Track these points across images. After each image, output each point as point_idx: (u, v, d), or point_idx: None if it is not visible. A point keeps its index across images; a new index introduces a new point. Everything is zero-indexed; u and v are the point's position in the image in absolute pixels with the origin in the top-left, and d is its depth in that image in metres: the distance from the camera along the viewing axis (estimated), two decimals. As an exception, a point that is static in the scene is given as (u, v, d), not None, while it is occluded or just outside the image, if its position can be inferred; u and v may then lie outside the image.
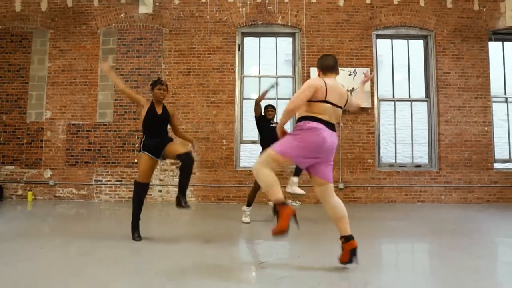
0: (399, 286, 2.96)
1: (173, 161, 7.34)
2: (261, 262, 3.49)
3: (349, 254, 3.21)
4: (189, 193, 8.68)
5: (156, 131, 4.51)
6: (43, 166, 8.89)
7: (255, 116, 6.19)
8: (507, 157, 9.28)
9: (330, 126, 3.31)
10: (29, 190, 8.69)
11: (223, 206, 8.14)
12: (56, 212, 7.19)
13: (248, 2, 9.06)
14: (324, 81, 3.28)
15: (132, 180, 8.74)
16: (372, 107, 8.86)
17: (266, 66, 9.82)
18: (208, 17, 9.03)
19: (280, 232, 2.99)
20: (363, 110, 8.79)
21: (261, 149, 6.07)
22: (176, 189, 4.95)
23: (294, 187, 5.70)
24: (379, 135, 9.08)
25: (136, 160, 8.78)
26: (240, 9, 9.04)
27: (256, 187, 5.85)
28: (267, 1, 9.06)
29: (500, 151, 9.54)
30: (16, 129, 8.98)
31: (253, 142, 9.08)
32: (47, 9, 9.16)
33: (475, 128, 8.93)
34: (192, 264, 3.45)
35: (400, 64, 9.65)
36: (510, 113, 9.41)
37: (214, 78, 8.91)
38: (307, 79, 8.75)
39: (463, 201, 8.75)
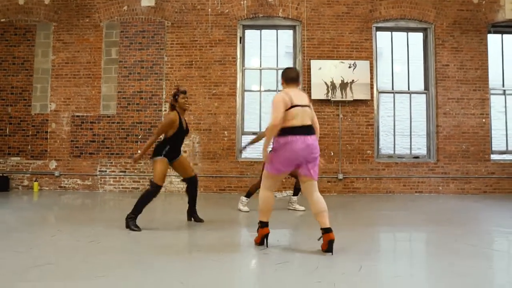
0: (393, 270, 3.12)
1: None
2: (262, 248, 3.65)
3: (327, 244, 3.47)
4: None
5: (180, 144, 4.86)
6: (48, 157, 9.06)
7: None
8: (504, 148, 9.41)
9: (304, 130, 3.57)
10: (35, 181, 8.87)
11: (225, 196, 8.31)
12: (62, 202, 7.37)
13: (249, -5, 9.16)
14: (286, 92, 3.64)
15: (135, 171, 8.91)
16: (372, 99, 8.98)
17: (267, 58, 9.94)
18: (209, 10, 9.13)
19: (255, 243, 3.77)
20: (363, 102, 8.92)
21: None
22: (179, 180, 5.18)
23: (295, 205, 6.41)
24: (378, 126, 9.22)
25: (139, 151, 8.91)
26: (241, 2, 9.13)
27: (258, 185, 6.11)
28: (268, -6, 9.15)
29: (498, 142, 9.67)
30: (21, 121, 9.14)
31: (254, 133, 9.20)
32: (50, 2, 9.26)
33: (473, 120, 9.06)
34: (195, 251, 3.63)
35: (400, 56, 9.75)
36: (507, 105, 9.53)
37: (216, 70, 9.04)
38: (307, 72, 8.90)
39: (460, 191, 8.91)
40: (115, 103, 9.09)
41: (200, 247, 3.79)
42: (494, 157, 9.19)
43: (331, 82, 8.77)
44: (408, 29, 9.47)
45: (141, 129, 8.99)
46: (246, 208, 6.18)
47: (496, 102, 9.92)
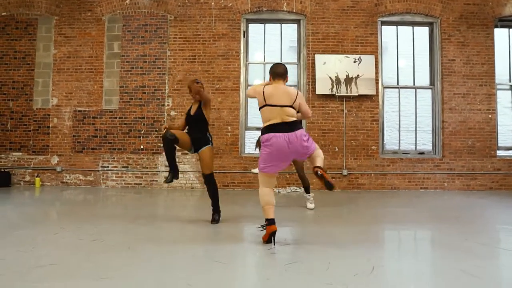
0: (406, 271, 3.04)
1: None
2: (270, 247, 3.58)
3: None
4: (194, 179, 8.78)
5: (190, 128, 4.92)
6: (50, 153, 8.98)
7: None
8: (510, 144, 9.33)
9: (284, 127, 3.66)
10: (36, 176, 8.80)
11: (229, 192, 8.24)
12: (64, 198, 7.31)
13: (253, -11, 9.04)
14: (263, 86, 3.82)
15: (138, 166, 8.84)
16: (377, 94, 8.87)
17: (271, 53, 9.82)
18: (213, 3, 9.01)
19: (263, 241, 3.74)
20: (368, 97, 8.81)
21: None
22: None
23: (308, 204, 6.13)
24: (383, 122, 9.12)
25: (142, 147, 8.87)
26: (245, -4, 9.02)
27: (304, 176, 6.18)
28: (272, -12, 9.02)
29: (504, 138, 9.59)
30: (23, 116, 9.06)
31: (258, 128, 9.10)
32: (51, -5, 9.16)
33: (479, 115, 8.95)
34: (201, 251, 3.55)
35: (405, 51, 9.63)
36: (514, 100, 9.43)
37: (219, 65, 8.94)
38: (312, 66, 8.80)
39: (465, 188, 8.83)
40: (117, 97, 9.00)
41: (206, 246, 3.71)
42: (500, 153, 9.10)
43: (335, 77, 8.67)
44: (413, 24, 9.34)
45: (143, 124, 8.91)
46: (312, 206, 6.10)
47: (502, 98, 9.81)
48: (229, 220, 4.93)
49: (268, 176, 3.81)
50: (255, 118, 9.56)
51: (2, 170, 8.81)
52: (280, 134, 3.63)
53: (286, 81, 4.00)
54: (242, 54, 9.04)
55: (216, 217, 4.82)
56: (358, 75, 8.68)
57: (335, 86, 8.67)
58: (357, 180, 8.80)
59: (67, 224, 4.53)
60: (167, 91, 8.94)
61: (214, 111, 8.78)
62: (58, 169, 8.90)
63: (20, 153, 9.01)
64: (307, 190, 6.16)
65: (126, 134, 8.93)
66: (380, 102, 8.99)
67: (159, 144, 8.86)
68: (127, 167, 8.89)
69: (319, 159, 3.78)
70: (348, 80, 8.68)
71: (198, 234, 4.24)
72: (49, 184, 8.93)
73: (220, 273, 2.85)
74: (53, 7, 9.14)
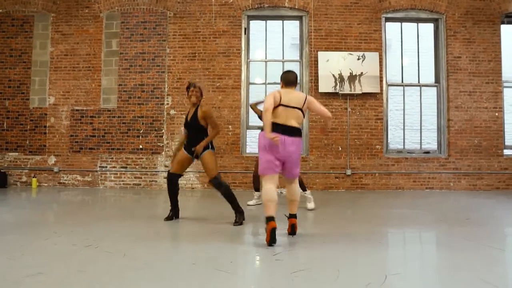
0: (421, 282, 2.84)
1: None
2: (274, 253, 3.38)
3: (290, 228, 4.04)
4: (195, 179, 8.59)
5: (191, 137, 4.81)
6: (47, 153, 8.79)
7: (258, 115, 6.33)
8: (517, 143, 9.12)
9: (287, 129, 3.86)
10: (33, 177, 8.61)
11: (229, 193, 8.03)
12: (61, 199, 7.12)
13: (254, -16, 8.83)
14: (279, 91, 3.98)
15: (137, 167, 8.65)
16: (381, 92, 8.68)
17: (272, 50, 9.61)
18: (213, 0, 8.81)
19: (267, 243, 3.66)
20: (372, 95, 8.62)
21: None
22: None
23: (308, 204, 5.96)
24: (387, 120, 8.92)
25: (141, 146, 8.67)
26: (246, -8, 8.81)
27: (254, 174, 6.26)
28: (273, -17, 8.82)
29: (511, 137, 9.37)
30: (19, 115, 8.86)
31: (259, 128, 8.91)
32: (48, -8, 8.95)
33: (486, 113, 8.75)
34: (201, 259, 3.35)
35: (410, 48, 9.42)
36: (521, 98, 9.23)
37: (220, 62, 8.74)
38: (314, 64, 8.62)
39: (472, 188, 8.63)
40: (115, 96, 8.80)
41: (207, 252, 3.50)
42: (507, 152, 8.90)
43: (339, 74, 8.47)
44: (418, 20, 9.14)
45: (142, 123, 8.72)
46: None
47: (509, 96, 9.63)
48: (231, 223, 4.73)
49: (268, 178, 3.90)
50: (256, 117, 9.35)
51: (-2, 170, 8.63)
52: (279, 134, 3.80)
53: (296, 86, 4.19)
54: (243, 52, 8.84)
55: (238, 219, 4.73)
56: (361, 73, 8.48)
57: (338, 84, 8.47)
58: (361, 180, 8.61)
59: (61, 228, 4.33)
60: (166, 89, 8.74)
61: (214, 110, 8.58)
62: (55, 169, 8.71)
63: (17, 153, 8.82)
64: (302, 187, 5.85)
65: (125, 134, 8.74)
66: (384, 100, 8.79)
67: (159, 144, 8.67)
68: (126, 167, 8.70)
69: (296, 204, 4.10)
70: (352, 78, 8.48)
71: (199, 238, 4.04)
72: (46, 185, 8.74)
73: (222, 284, 2.65)
74: (49, 4, 8.94)
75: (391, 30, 9.36)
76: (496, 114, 8.76)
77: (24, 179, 8.78)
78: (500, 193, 8.27)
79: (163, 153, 8.67)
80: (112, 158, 8.71)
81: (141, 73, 8.78)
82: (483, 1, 8.86)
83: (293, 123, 3.90)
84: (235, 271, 2.95)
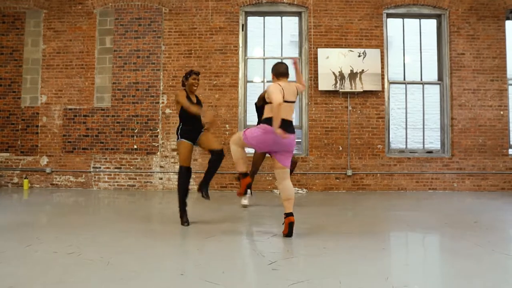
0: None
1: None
2: (270, 262, 3.13)
3: (288, 226, 3.97)
4: (192, 181, 8.33)
5: (190, 119, 4.70)
6: (39, 153, 8.54)
7: (256, 103, 6.07)
8: (523, 142, 8.86)
9: (286, 124, 3.91)
10: (25, 178, 8.36)
11: (226, 194, 7.81)
12: (52, 201, 6.87)
13: (252, -20, 8.58)
14: (280, 85, 3.99)
15: (131, 167, 8.41)
16: (382, 90, 8.43)
17: (271, 47, 9.36)
18: (209, -5, 8.56)
19: (239, 194, 4.35)
20: (373, 93, 8.37)
21: None
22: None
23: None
24: (389, 119, 8.66)
25: (135, 146, 8.43)
26: (244, -13, 8.56)
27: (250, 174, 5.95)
28: (272, -22, 8.57)
29: (516, 136, 9.12)
30: (10, 115, 8.61)
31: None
32: (40, -13, 8.70)
33: (490, 112, 8.51)
34: (192, 269, 3.10)
35: (412, 45, 9.16)
36: (527, 96, 8.97)
37: (217, 60, 8.49)
38: (314, 61, 8.37)
39: (476, 188, 8.39)
40: (109, 95, 8.55)
41: (196, 261, 3.26)
42: (512, 151, 8.66)
43: (339, 72, 8.22)
44: (420, 16, 8.89)
45: (137, 123, 8.47)
46: (245, 202, 6.01)
47: (514, 94, 9.34)
48: (225, 227, 4.48)
49: (245, 145, 4.13)
50: (254, 116, 9.10)
51: (-11, 171, 8.38)
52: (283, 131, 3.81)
53: (288, 78, 4.22)
54: (240, 49, 8.59)
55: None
56: (362, 70, 8.23)
57: (338, 81, 8.23)
58: (362, 180, 8.36)
59: (45, 233, 4.09)
60: (161, 87, 8.49)
61: (211, 108, 8.33)
62: (48, 170, 8.46)
63: (8, 154, 8.57)
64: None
65: (119, 133, 8.49)
66: (386, 99, 8.54)
67: (154, 144, 8.42)
68: (120, 168, 8.45)
69: (292, 202, 4.09)
70: (353, 75, 8.23)
71: (189, 245, 3.79)
72: (38, 186, 8.50)
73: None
74: (41, 0, 8.69)
75: (393, 26, 9.11)
76: (501, 112, 8.51)
77: (15, 180, 8.53)
78: (505, 194, 8.03)
79: (158, 153, 8.42)
80: (106, 158, 8.46)
81: (135, 71, 8.53)
82: (488, -4, 8.61)
83: (290, 117, 4.03)
84: (227, 283, 2.69)
